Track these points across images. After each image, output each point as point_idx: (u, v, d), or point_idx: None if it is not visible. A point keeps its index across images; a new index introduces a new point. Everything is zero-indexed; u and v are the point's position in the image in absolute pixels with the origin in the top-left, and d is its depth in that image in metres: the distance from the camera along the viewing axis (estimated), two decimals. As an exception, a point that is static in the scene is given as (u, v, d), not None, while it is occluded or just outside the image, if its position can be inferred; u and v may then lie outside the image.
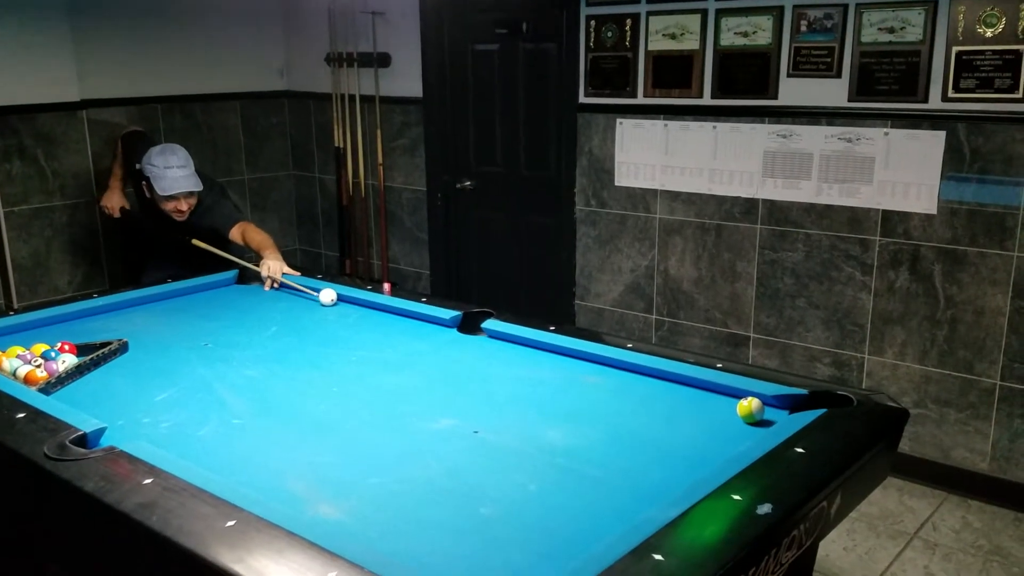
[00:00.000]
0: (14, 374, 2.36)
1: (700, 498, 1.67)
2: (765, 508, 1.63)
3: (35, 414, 2.07)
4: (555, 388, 2.37)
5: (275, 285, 3.29)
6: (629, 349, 2.52)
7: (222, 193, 4.06)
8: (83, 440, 1.95)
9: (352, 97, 5.01)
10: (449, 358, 2.61)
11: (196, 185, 3.68)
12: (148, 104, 4.89)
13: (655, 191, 4.02)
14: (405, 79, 4.80)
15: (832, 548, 3.11)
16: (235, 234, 3.65)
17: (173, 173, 3.62)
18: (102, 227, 4.67)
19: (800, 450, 1.86)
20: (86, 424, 2.01)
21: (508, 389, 2.36)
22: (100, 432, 2.01)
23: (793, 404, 2.17)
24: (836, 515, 1.88)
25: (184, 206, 3.66)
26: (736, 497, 1.67)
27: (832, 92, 3.47)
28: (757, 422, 2.09)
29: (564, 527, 1.67)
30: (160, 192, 3.60)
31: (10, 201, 4.32)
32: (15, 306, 4.37)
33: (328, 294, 3.10)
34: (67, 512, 1.87)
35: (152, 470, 1.79)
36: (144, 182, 3.77)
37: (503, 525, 1.68)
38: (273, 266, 3.29)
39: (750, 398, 2.12)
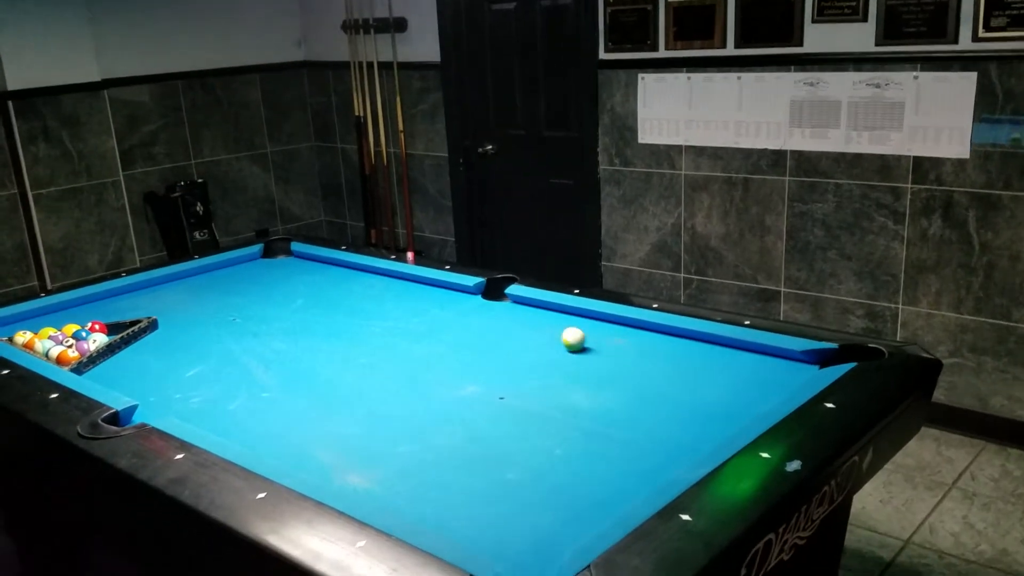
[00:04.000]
0: (46, 355, 2.40)
1: (728, 457, 1.65)
2: (794, 465, 1.61)
3: (68, 394, 2.10)
4: (581, 352, 2.35)
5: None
6: (655, 309, 2.49)
7: None
8: (115, 418, 1.98)
9: (370, 64, 4.98)
10: (473, 325, 2.60)
11: None
12: (169, 81, 4.90)
13: (679, 147, 3.95)
14: (422, 43, 4.76)
15: (869, 500, 3.08)
16: None
17: None
18: (130, 206, 4.72)
19: (830, 405, 1.84)
20: (118, 402, 2.03)
21: (533, 354, 2.35)
22: (132, 409, 2.03)
23: (823, 359, 2.14)
24: (868, 469, 1.86)
25: None
26: (764, 455, 1.65)
27: (859, 36, 3.38)
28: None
29: (590, 490, 1.66)
30: None
31: (38, 184, 4.37)
32: (49, 287, 4.44)
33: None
34: (102, 490, 1.90)
35: (183, 445, 1.81)
36: None
37: (529, 490, 1.68)
38: None
39: (571, 332, 2.28)
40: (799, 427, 1.77)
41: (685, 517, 1.45)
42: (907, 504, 3.10)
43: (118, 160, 4.64)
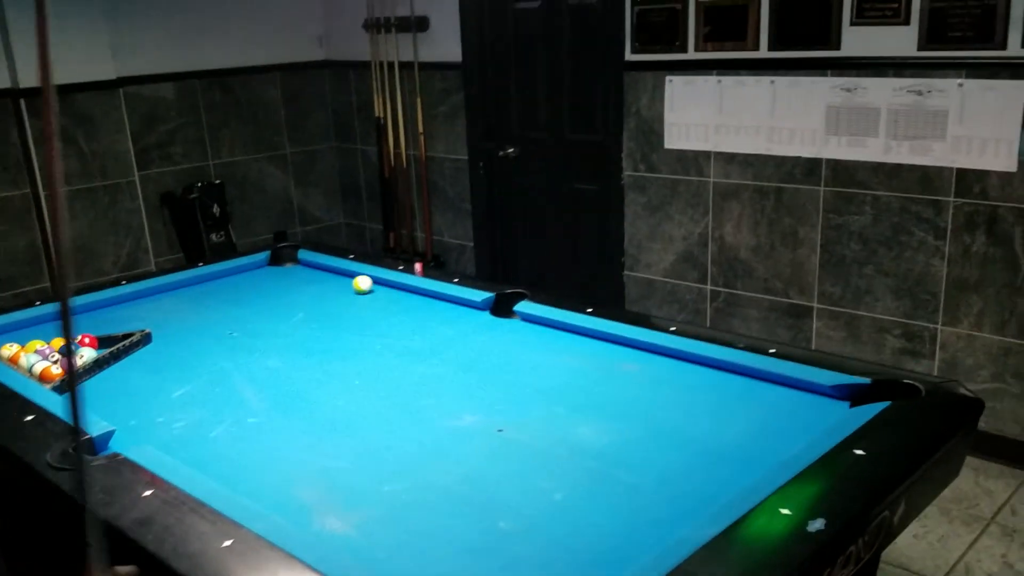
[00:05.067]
0: (30, 371, 2.29)
1: (744, 512, 1.48)
2: (817, 524, 1.44)
3: (44, 416, 1.99)
4: (589, 378, 2.19)
5: None
6: (672, 333, 2.32)
7: None
8: (90, 445, 1.86)
9: (391, 64, 4.85)
10: (478, 345, 2.46)
11: None
12: (187, 80, 4.81)
13: (708, 153, 3.77)
14: (444, 43, 4.62)
15: (902, 536, 2.88)
16: None
17: None
18: (145, 207, 4.64)
19: (860, 452, 1.66)
20: (94, 427, 1.91)
21: (538, 380, 2.20)
22: (108, 436, 1.91)
23: (854, 394, 1.96)
24: (900, 523, 1.68)
25: None
26: (785, 511, 1.48)
27: (900, 40, 3.17)
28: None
29: (590, 546, 1.51)
30: None
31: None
32: (61, 289, 4.37)
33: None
34: (69, 525, 1.78)
35: (153, 480, 1.68)
36: None
37: (523, 542, 1.53)
38: None
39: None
40: (824, 478, 1.60)
41: (692, 586, 1.29)
42: (942, 540, 2.90)
43: (133, 160, 4.56)
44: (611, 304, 3.98)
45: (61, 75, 4.21)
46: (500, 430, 1.92)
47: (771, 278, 3.72)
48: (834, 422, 1.81)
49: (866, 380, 1.97)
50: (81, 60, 4.28)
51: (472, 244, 4.83)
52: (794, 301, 3.67)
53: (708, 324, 3.94)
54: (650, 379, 2.17)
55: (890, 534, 1.66)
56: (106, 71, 4.39)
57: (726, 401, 2.04)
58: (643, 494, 1.67)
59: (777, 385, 2.06)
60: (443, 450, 1.86)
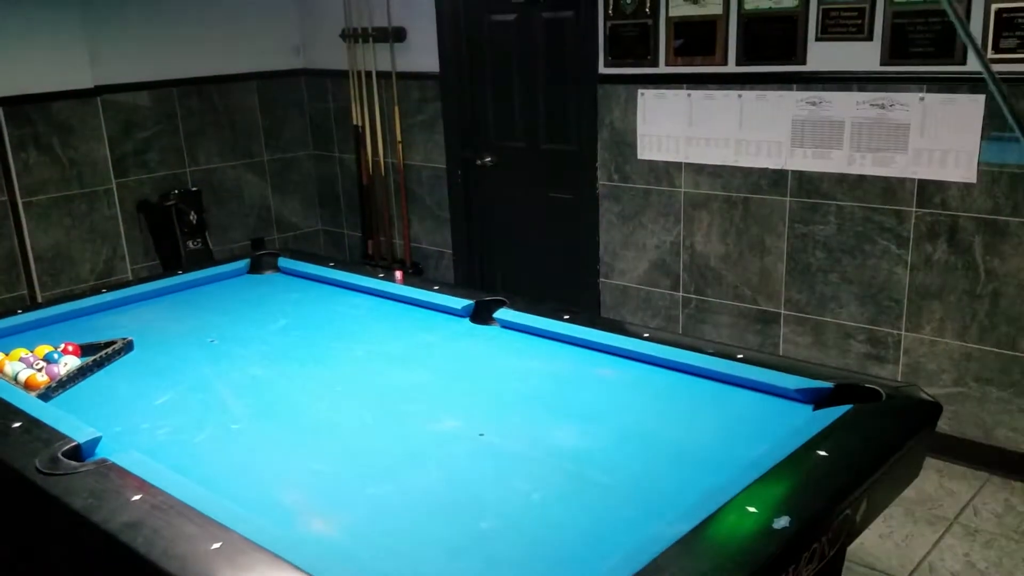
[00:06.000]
0: (15, 378, 2.32)
1: (713, 510, 1.56)
2: (782, 521, 1.51)
3: (31, 423, 2.02)
4: (567, 383, 2.27)
5: None
6: (646, 339, 2.40)
7: None
8: (77, 452, 1.90)
9: (369, 74, 4.90)
10: (458, 351, 2.52)
11: None
12: (164, 88, 4.83)
13: (679, 164, 3.86)
14: (421, 53, 4.68)
15: (867, 535, 2.98)
16: None
17: None
18: (122, 215, 4.65)
19: (823, 453, 1.74)
20: (81, 434, 1.95)
21: (518, 385, 2.26)
22: (95, 442, 1.95)
23: (818, 398, 2.04)
24: (863, 520, 1.77)
25: None
26: (751, 509, 1.56)
27: (864, 56, 3.28)
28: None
29: (566, 543, 1.57)
30: None
31: (28, 191, 4.30)
32: (39, 297, 4.38)
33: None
34: (58, 530, 1.82)
35: (142, 485, 1.73)
36: None
37: (503, 541, 1.59)
38: None
39: None
40: (789, 477, 1.68)
41: (663, 581, 1.36)
42: (907, 539, 3.00)
43: (111, 168, 4.57)
44: (587, 310, 4.05)
45: (38, 83, 4.23)
46: (481, 434, 1.99)
47: (740, 285, 3.81)
48: (798, 424, 1.90)
49: (828, 385, 2.05)
50: (59, 68, 4.29)
51: (450, 251, 4.89)
52: (762, 307, 3.77)
53: (681, 330, 4.02)
54: (624, 383, 2.25)
55: (853, 532, 1.75)
56: (84, 79, 4.40)
57: (697, 405, 2.12)
58: (616, 494, 1.74)
59: (744, 389, 2.14)
60: (425, 454, 1.92)
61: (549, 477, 1.81)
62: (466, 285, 4.69)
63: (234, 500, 1.70)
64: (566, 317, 2.59)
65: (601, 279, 4.27)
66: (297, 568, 1.44)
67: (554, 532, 1.61)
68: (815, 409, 2.00)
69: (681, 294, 4.01)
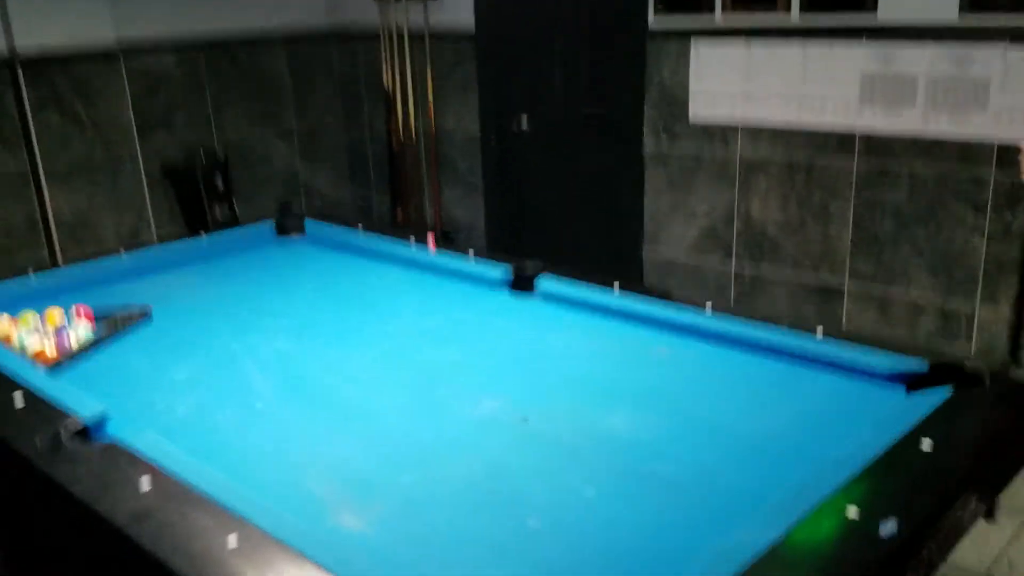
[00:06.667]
0: (23, 348, 2.15)
1: (804, 513, 1.34)
2: (889, 527, 1.29)
3: (36, 400, 1.84)
4: (620, 362, 2.04)
5: None
6: (710, 312, 2.16)
7: None
8: (85, 432, 1.72)
9: (400, 35, 4.67)
10: (497, 325, 2.30)
11: None
12: (191, 51, 4.63)
13: (735, 127, 3.60)
14: (456, 11, 4.44)
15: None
16: None
17: None
18: (148, 179, 4.49)
19: (929, 444, 1.51)
20: (89, 412, 1.77)
21: (563, 364, 2.04)
22: (104, 421, 1.77)
23: (910, 380, 1.80)
24: (968, 523, 1.54)
25: None
26: (852, 511, 1.33)
27: (940, 5, 3.01)
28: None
29: (629, 548, 1.36)
30: None
31: (50, 155, 4.15)
32: (60, 262, 4.23)
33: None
34: (60, 517, 1.64)
35: (153, 471, 1.54)
36: None
37: (554, 543, 1.38)
38: None
39: None
40: (892, 475, 1.45)
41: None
42: (981, 533, 2.75)
43: (135, 130, 4.40)
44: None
45: (59, 41, 4.06)
46: (525, 419, 1.78)
47: (800, 256, 3.56)
48: (892, 411, 1.66)
49: (924, 364, 1.81)
50: (80, 25, 4.12)
51: (483, 220, 4.68)
52: (824, 280, 3.51)
53: (732, 304, 3.79)
54: (686, 363, 2.02)
55: (960, 536, 1.52)
56: (106, 36, 4.21)
57: (772, 387, 1.89)
58: (684, 491, 1.52)
59: (825, 370, 1.91)
60: (464, 439, 1.72)
61: (603, 469, 1.60)
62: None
63: (255, 488, 1.52)
64: (616, 287, 2.35)
65: (645, 248, 4.03)
66: (322, 567, 1.24)
67: (613, 532, 1.40)
68: (908, 391, 1.76)
69: (733, 266, 3.76)
